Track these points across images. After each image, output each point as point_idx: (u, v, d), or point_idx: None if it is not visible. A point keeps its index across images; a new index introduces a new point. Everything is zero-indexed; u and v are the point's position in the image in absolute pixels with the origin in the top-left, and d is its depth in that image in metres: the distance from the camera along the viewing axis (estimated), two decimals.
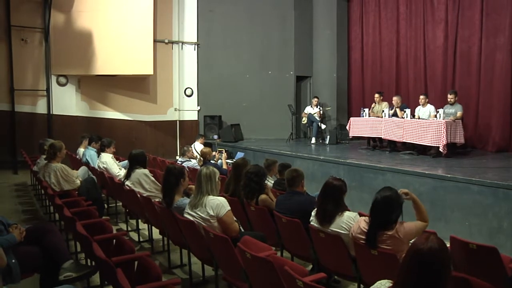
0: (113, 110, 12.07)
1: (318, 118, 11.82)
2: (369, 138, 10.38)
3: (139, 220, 5.76)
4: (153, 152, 10.88)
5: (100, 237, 3.61)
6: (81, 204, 4.99)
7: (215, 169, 4.10)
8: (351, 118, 10.69)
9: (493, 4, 9.54)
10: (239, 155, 10.32)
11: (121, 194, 5.97)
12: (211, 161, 7.86)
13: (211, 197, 3.91)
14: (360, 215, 3.67)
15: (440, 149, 8.16)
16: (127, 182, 5.52)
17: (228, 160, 9.05)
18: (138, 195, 5.20)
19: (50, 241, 3.68)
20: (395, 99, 9.89)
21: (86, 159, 7.77)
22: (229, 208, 3.88)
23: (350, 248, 3.51)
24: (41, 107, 11.23)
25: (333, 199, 3.66)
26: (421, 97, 9.46)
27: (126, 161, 6.60)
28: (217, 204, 3.85)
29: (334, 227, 3.62)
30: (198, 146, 10.12)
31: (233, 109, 13.08)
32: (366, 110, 10.33)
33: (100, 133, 9.56)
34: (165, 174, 4.46)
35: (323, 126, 11.92)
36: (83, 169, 6.82)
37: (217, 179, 4.01)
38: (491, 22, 9.57)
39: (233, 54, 13.13)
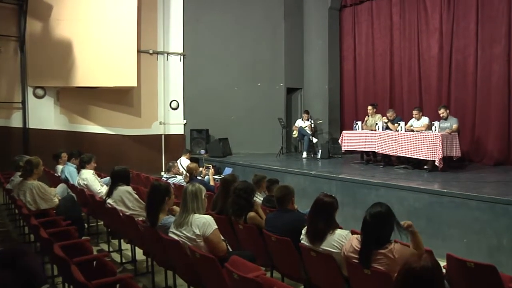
0: (94, 124, 12.00)
1: (309, 132, 11.87)
2: (362, 152, 10.46)
3: (122, 240, 5.71)
4: (137, 168, 10.79)
5: (79, 259, 3.57)
6: (59, 224, 4.93)
7: (201, 186, 4.10)
8: (344, 132, 10.77)
9: (488, 13, 9.70)
10: (227, 170, 10.36)
11: (103, 213, 5.91)
12: (198, 177, 7.83)
13: (197, 215, 3.91)
14: (353, 233, 3.67)
15: (436, 163, 8.24)
16: (109, 200, 5.48)
17: (215, 176, 9.04)
18: (121, 214, 5.16)
19: (25, 264, 3.62)
20: (388, 113, 10.02)
21: (65, 175, 7.69)
22: (216, 226, 3.87)
23: (342, 268, 3.50)
24: (16, 121, 11.09)
25: (324, 216, 3.67)
26: (414, 112, 9.55)
27: (108, 177, 6.55)
28: (203, 222, 3.84)
29: (325, 246, 3.62)
30: (184, 162, 10.09)
31: (221, 123, 13.09)
32: (359, 123, 10.43)
33: (81, 148, 9.47)
34: (149, 191, 4.44)
35: (314, 140, 11.98)
36: (61, 186, 6.75)
37: (203, 197, 4.02)
38: (487, 32, 9.73)
39: (221, 66, 13.17)
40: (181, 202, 4.02)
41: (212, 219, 3.92)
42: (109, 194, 5.55)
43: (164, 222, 4.21)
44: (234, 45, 13.25)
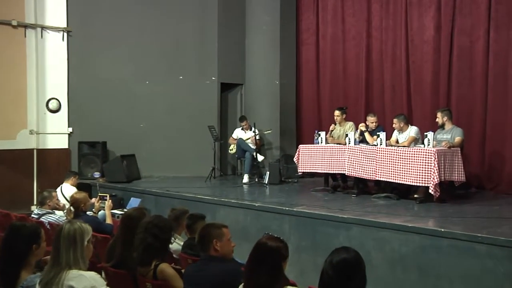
0: None
1: (252, 146, 11.92)
2: (327, 175, 10.52)
3: None
4: None
5: None
6: None
7: (85, 225, 3.96)
8: (301, 146, 10.82)
9: None
10: (134, 202, 10.34)
11: None
12: (88, 212, 7.67)
13: (74, 272, 3.73)
14: None
15: (430, 191, 8.32)
16: None
17: (115, 211, 9.00)
18: None
19: None
20: (370, 120, 10.15)
21: None
22: None
23: None
24: None
25: (267, 268, 3.61)
26: (394, 120, 9.69)
27: None
28: (84, 283, 3.69)
29: None
30: (67, 190, 9.80)
31: (124, 133, 12.96)
32: (323, 133, 10.49)
33: None
34: (6, 235, 4.26)
35: (260, 158, 11.99)
36: None
37: (85, 242, 3.86)
38: (503, 7, 9.98)
39: (126, 49, 13.06)
40: (52, 251, 3.86)
41: (97, 277, 3.79)
42: None
43: (28, 283, 3.99)
44: (146, 21, 13.15)
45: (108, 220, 7.84)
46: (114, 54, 12.98)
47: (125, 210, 8.79)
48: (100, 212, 8.31)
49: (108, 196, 9.06)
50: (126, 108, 13.01)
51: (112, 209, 8.43)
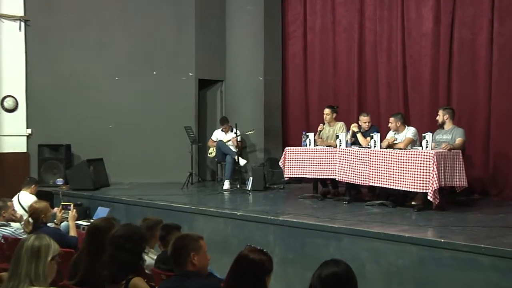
0: None
1: (234, 149, 11.92)
2: (315, 180, 10.53)
3: None
4: None
5: None
6: None
7: (49, 239, 3.93)
8: (287, 149, 10.83)
9: None
10: (102, 212, 10.28)
11: None
12: (50, 224, 7.60)
13: None
14: None
15: (428, 197, 8.32)
16: None
17: (80, 222, 8.92)
18: None
19: None
20: (362, 119, 10.18)
21: None
22: None
23: None
24: None
25: (249, 283, 3.61)
26: (391, 119, 9.72)
27: None
28: None
29: None
30: (25, 199, 9.68)
31: (91, 134, 12.92)
32: (311, 135, 10.50)
33: None
34: None
35: (242, 162, 12.00)
36: None
37: (49, 258, 3.81)
38: None
39: (92, 41, 13.01)
40: (11, 265, 3.81)
41: None
42: None
43: None
44: (116, 10, 13.15)
45: (72, 232, 7.74)
46: (79, 46, 12.91)
47: (92, 220, 8.73)
48: (62, 224, 8.22)
49: (72, 206, 8.97)
50: (92, 107, 12.94)
51: (76, 220, 8.35)
